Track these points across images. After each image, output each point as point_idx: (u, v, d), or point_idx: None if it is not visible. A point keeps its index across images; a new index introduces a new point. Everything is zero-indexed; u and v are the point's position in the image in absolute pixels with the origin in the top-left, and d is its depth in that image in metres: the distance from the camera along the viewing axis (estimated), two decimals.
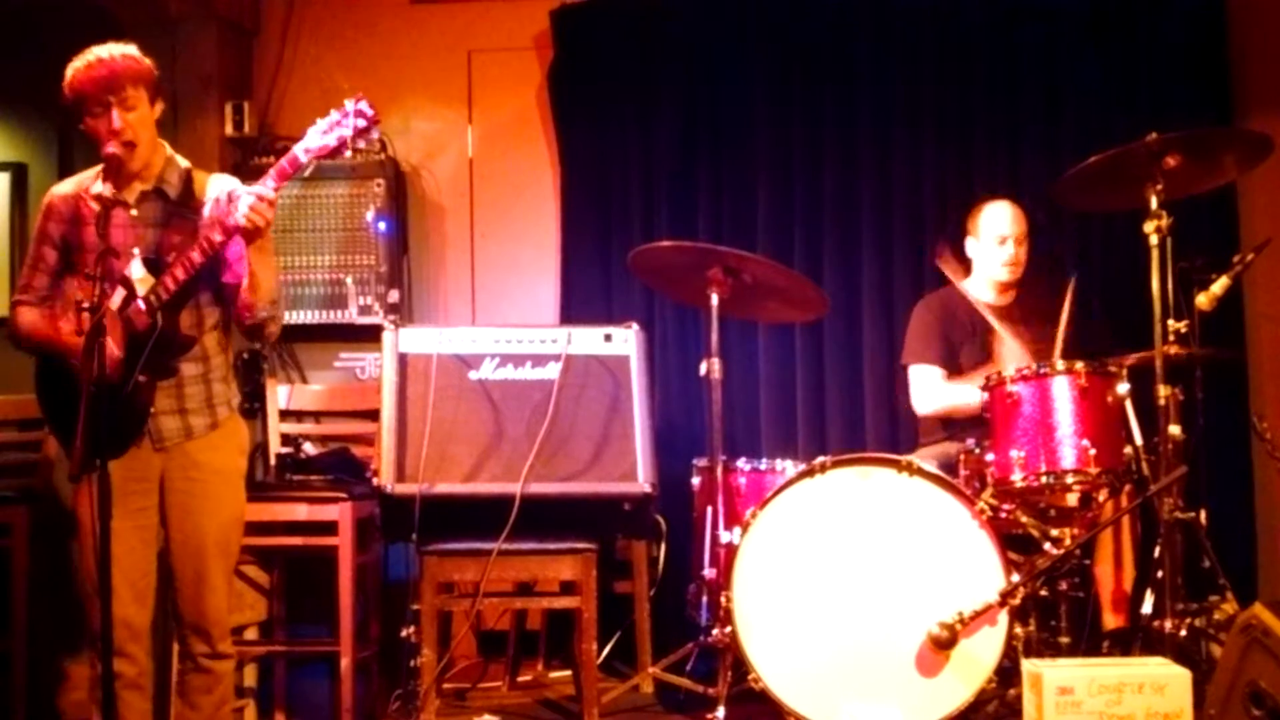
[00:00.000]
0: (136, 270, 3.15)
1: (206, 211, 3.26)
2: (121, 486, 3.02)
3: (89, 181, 3.27)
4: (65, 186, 3.33)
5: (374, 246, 4.94)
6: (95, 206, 3.14)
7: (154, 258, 3.17)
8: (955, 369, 4.23)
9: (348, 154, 3.29)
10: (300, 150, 3.18)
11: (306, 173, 3.24)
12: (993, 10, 4.77)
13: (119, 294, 3.11)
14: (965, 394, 4.05)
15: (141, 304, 3.12)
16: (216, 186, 3.32)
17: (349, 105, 3.21)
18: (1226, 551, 3.78)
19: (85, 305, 2.85)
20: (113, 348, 3.04)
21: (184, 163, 3.33)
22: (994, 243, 4.22)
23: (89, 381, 2.80)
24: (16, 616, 4.38)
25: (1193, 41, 4.62)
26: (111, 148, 3.11)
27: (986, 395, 3.78)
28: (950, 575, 3.44)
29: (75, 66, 3.15)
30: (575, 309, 4.93)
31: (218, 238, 3.12)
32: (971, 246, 4.31)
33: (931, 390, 4.22)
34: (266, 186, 3.11)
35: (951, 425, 4.20)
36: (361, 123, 3.21)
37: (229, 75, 5.12)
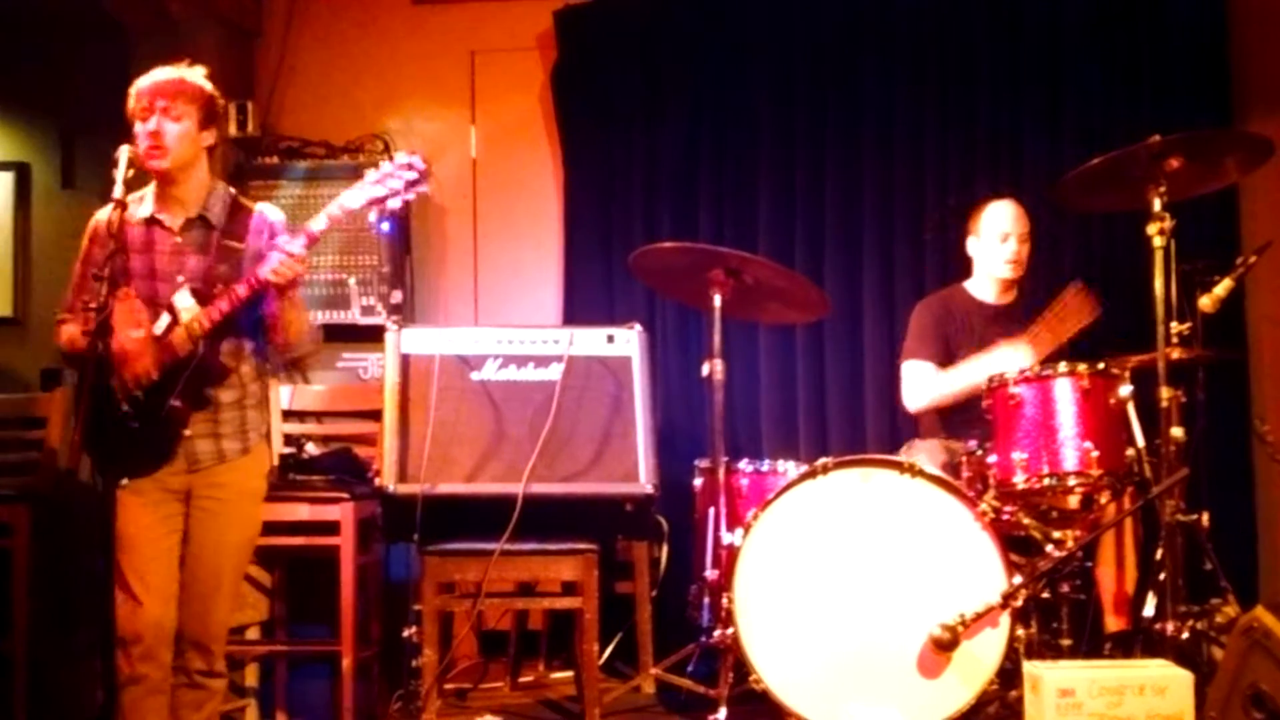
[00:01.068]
0: (183, 300, 3.18)
1: (249, 242, 3.30)
2: (153, 496, 3.18)
3: (133, 205, 3.28)
4: (110, 211, 3.32)
5: (376, 247, 4.95)
6: (135, 225, 3.19)
7: (200, 287, 3.20)
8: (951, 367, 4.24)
9: (395, 205, 3.32)
10: (349, 198, 3.24)
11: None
12: (995, 12, 4.77)
13: (164, 320, 3.17)
14: (952, 380, 4.09)
15: (185, 331, 3.16)
16: (260, 218, 3.35)
17: (401, 158, 3.28)
18: (1228, 554, 3.77)
19: (91, 305, 2.86)
20: (148, 367, 3.13)
21: (229, 191, 3.36)
22: (996, 240, 4.23)
23: (90, 380, 2.81)
24: (17, 616, 4.37)
25: (1195, 44, 4.63)
26: (142, 146, 3.14)
27: (979, 383, 3.81)
28: (952, 577, 3.44)
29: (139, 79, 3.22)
30: (577, 310, 4.95)
31: (266, 276, 3.16)
32: (973, 245, 4.31)
33: (921, 384, 4.22)
34: (296, 244, 3.16)
35: (950, 424, 4.21)
36: (412, 175, 3.27)
37: (231, 76, 5.11)
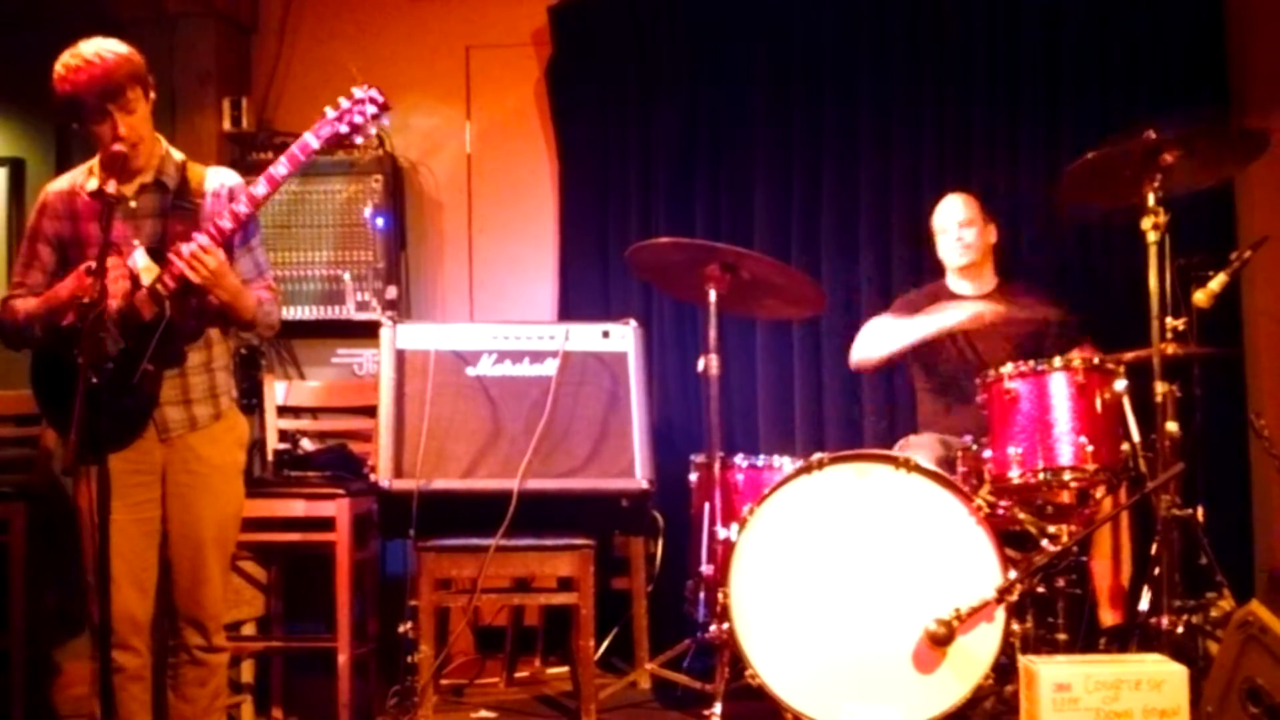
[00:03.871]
0: (140, 260, 3.14)
1: (209, 204, 3.25)
2: (124, 479, 3.07)
3: (83, 177, 3.26)
4: (60, 183, 3.31)
5: (371, 243, 4.94)
6: (86, 197, 3.16)
7: (157, 248, 3.16)
8: (933, 365, 4.28)
9: (359, 140, 3.29)
10: (311, 136, 3.18)
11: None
12: (992, 7, 4.77)
13: (121, 285, 3.11)
14: (908, 326, 4.15)
15: (147, 293, 3.12)
16: (215, 179, 3.32)
17: (358, 92, 3.22)
18: (1223, 548, 3.78)
19: (85, 300, 2.85)
20: (115, 335, 3.07)
21: (179, 155, 3.32)
22: (940, 231, 4.35)
23: (86, 376, 2.79)
24: (14, 613, 4.37)
25: (1191, 39, 4.62)
26: (118, 146, 3.08)
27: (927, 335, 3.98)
28: (947, 572, 3.44)
29: (66, 66, 3.08)
30: (573, 305, 4.94)
31: (226, 225, 3.13)
32: (937, 246, 4.39)
33: (871, 329, 4.28)
34: (240, 205, 3.14)
35: (944, 419, 4.23)
36: (372, 109, 3.21)
37: (227, 71, 5.12)
